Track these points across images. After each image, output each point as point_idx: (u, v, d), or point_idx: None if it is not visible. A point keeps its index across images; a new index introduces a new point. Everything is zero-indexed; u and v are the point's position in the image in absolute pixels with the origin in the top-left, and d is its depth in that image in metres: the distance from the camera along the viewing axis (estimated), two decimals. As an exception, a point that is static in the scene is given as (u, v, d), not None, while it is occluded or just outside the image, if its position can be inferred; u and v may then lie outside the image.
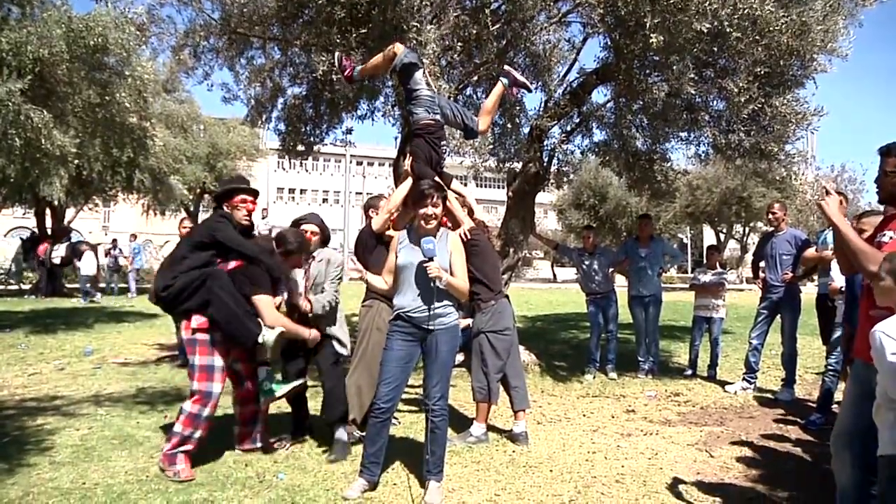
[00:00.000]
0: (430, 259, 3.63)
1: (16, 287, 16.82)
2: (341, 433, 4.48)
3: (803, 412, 5.84)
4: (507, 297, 5.09)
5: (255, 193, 4.50)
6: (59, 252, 17.16)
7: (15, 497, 3.59)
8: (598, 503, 3.71)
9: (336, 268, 4.75)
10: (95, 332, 10.25)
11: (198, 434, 4.02)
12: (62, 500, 3.56)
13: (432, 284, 3.66)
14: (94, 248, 17.72)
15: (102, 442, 4.65)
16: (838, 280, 5.55)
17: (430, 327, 3.73)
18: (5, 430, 4.90)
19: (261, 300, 4.16)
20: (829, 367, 5.60)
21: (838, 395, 5.34)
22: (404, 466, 4.18)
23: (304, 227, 4.75)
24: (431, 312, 3.70)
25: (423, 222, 3.76)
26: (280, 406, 4.96)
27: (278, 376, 4.59)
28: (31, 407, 5.68)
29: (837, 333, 5.58)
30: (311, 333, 4.46)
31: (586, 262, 7.75)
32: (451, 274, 3.76)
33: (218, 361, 4.08)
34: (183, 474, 3.89)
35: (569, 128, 8.16)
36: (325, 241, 4.86)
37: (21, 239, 19.18)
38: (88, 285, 16.27)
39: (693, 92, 6.23)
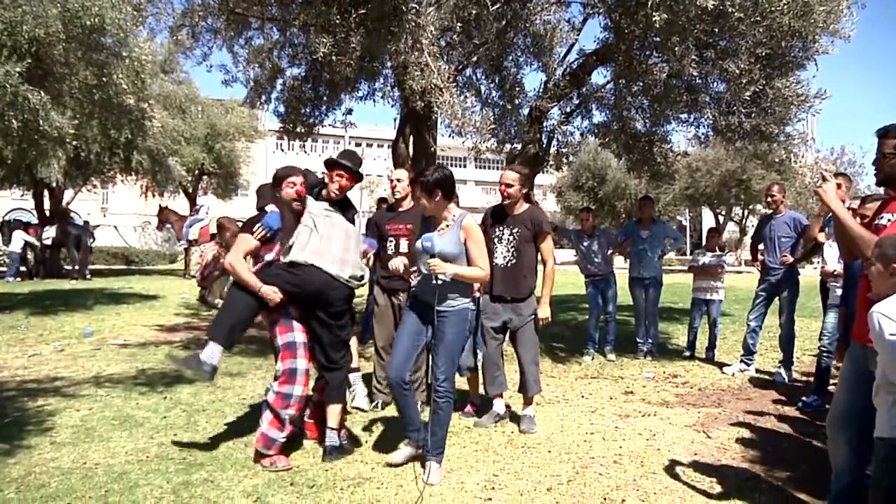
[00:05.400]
0: (431, 256, 3.65)
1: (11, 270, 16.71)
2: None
3: (800, 394, 5.86)
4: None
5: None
6: (50, 233, 17.05)
7: (17, 476, 3.62)
8: (596, 483, 3.74)
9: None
10: (95, 314, 10.25)
11: (291, 412, 3.92)
12: (63, 479, 3.59)
13: (433, 280, 3.68)
14: (84, 228, 17.70)
15: (103, 422, 4.67)
16: (830, 263, 5.56)
17: (439, 309, 3.76)
18: (6, 411, 4.93)
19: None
20: (823, 349, 5.63)
21: (834, 378, 5.37)
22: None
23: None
24: (437, 299, 3.73)
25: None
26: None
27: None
28: (32, 388, 5.70)
29: (830, 314, 5.62)
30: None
31: (585, 244, 7.73)
32: (470, 262, 3.76)
33: (299, 337, 3.96)
34: (280, 463, 3.84)
35: (568, 109, 8.13)
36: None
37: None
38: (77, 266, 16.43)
39: (694, 73, 6.19)
